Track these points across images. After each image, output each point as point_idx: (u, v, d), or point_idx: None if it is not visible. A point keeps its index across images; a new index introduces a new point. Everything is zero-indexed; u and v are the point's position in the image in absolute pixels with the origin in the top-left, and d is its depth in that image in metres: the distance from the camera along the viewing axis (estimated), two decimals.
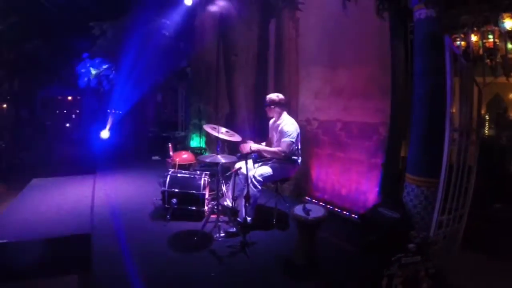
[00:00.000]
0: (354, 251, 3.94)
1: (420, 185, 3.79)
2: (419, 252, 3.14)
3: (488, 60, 4.49)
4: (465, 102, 3.77)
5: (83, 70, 10.89)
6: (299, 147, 4.53)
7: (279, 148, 4.38)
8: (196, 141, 8.64)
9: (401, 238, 3.41)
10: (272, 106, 4.56)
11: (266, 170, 4.36)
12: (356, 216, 4.67)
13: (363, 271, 3.55)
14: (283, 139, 4.36)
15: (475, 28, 4.25)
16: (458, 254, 3.78)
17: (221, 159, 4.03)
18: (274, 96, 4.60)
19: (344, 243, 4.15)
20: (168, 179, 4.72)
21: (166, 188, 4.65)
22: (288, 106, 4.75)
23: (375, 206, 4.12)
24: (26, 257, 3.53)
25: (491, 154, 5.32)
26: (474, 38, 4.46)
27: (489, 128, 6.02)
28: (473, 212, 3.93)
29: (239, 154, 4.11)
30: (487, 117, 5.91)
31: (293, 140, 4.34)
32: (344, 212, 4.91)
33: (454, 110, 3.77)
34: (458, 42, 4.39)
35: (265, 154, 4.48)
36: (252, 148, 4.42)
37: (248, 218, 4.15)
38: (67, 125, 13.93)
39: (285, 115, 4.58)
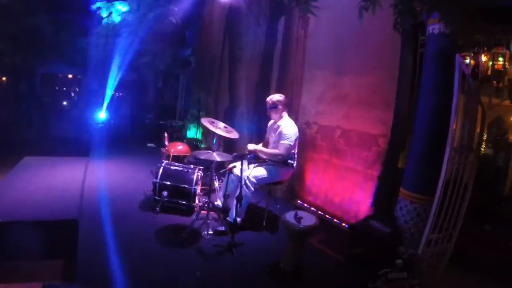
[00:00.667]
0: (342, 261, 3.92)
1: (414, 201, 3.81)
2: (406, 268, 3.16)
3: (494, 82, 4.45)
4: (468, 122, 3.74)
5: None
6: (296, 151, 4.48)
7: (277, 151, 4.32)
8: (193, 132, 8.56)
9: (389, 253, 3.45)
10: (280, 107, 4.47)
11: (261, 172, 4.30)
12: (347, 225, 4.65)
13: (349, 282, 3.55)
14: (282, 142, 4.29)
15: (485, 49, 4.21)
16: (444, 272, 3.77)
17: (216, 157, 3.96)
18: (278, 96, 4.53)
19: (332, 251, 4.12)
20: (160, 170, 4.65)
21: (158, 180, 4.59)
22: (289, 106, 4.68)
23: (366, 218, 4.12)
24: (12, 238, 3.53)
25: (485, 174, 5.33)
26: (484, 58, 4.43)
27: (486, 147, 6.03)
28: (463, 232, 3.92)
29: (235, 154, 4.06)
30: (484, 137, 5.93)
31: (291, 143, 4.28)
32: (335, 220, 4.88)
33: (455, 128, 3.75)
34: (468, 60, 4.35)
35: (262, 155, 4.42)
36: (249, 149, 4.37)
37: (238, 219, 4.11)
38: (64, 103, 13.80)
39: (286, 116, 4.51)
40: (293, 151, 4.39)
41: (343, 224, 4.74)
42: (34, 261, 3.51)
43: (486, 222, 4.72)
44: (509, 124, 5.41)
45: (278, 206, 4.80)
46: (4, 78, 12.71)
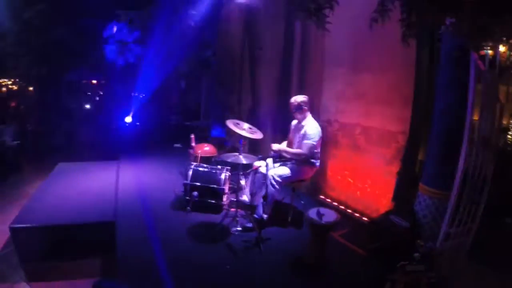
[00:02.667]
0: (362, 255, 4.08)
1: (433, 197, 3.88)
2: (423, 261, 3.25)
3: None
4: (487, 116, 3.76)
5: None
6: (319, 150, 4.65)
7: (300, 150, 4.49)
8: (218, 131, 8.81)
9: (408, 247, 3.54)
10: (304, 107, 4.62)
11: (285, 171, 4.50)
12: (368, 220, 4.80)
13: (369, 275, 3.69)
14: (305, 141, 4.45)
15: (504, 39, 4.21)
16: (463, 265, 3.81)
17: (243, 159, 4.21)
18: (302, 97, 4.66)
19: (353, 245, 4.28)
20: (190, 172, 4.94)
21: (189, 181, 4.88)
22: (311, 106, 4.83)
23: (386, 213, 4.26)
24: (52, 240, 3.77)
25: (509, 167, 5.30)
26: (502, 49, 4.43)
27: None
28: (484, 225, 3.95)
29: (260, 156, 4.28)
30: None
31: (315, 143, 4.44)
32: (356, 215, 5.04)
33: (475, 121, 3.81)
34: (486, 51, 4.38)
35: (285, 155, 4.60)
36: (274, 148, 4.57)
37: (265, 216, 4.34)
38: (89, 107, 14.22)
39: (309, 116, 4.66)
40: (316, 150, 4.56)
41: (364, 219, 4.89)
42: (74, 260, 3.74)
43: (508, 215, 4.75)
44: None
45: (302, 202, 5.00)
46: (31, 88, 13.28)
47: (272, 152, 4.59)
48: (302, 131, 4.56)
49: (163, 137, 10.73)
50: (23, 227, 3.71)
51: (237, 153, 4.39)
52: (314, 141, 4.45)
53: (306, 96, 4.70)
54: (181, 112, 12.01)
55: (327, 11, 3.26)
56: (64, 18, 11.07)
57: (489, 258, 3.86)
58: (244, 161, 4.20)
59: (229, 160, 4.25)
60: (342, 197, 5.38)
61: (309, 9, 3.09)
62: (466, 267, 3.80)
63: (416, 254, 3.28)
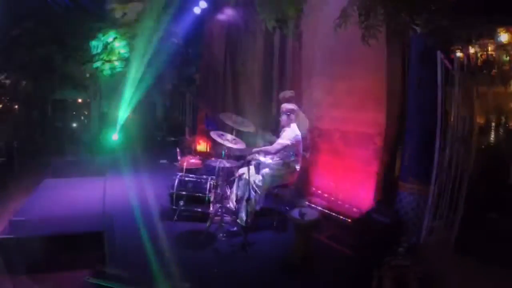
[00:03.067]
0: (348, 254, 4.18)
1: (412, 192, 4.05)
2: (409, 255, 3.35)
3: (484, 71, 4.66)
4: (459, 112, 3.94)
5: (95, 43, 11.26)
6: (297, 153, 4.79)
7: (268, 146, 4.73)
8: (203, 146, 8.92)
9: (392, 243, 3.63)
10: (292, 116, 4.81)
11: (266, 176, 4.66)
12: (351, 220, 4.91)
13: (355, 273, 3.75)
14: (278, 140, 4.69)
15: (473, 41, 4.44)
16: (449, 259, 3.85)
17: (226, 164, 4.33)
18: (293, 106, 4.88)
19: (338, 245, 4.38)
20: (176, 182, 5.01)
21: (174, 191, 4.94)
22: (296, 114, 4.97)
23: (368, 212, 4.37)
24: (40, 252, 3.70)
25: (492, 163, 5.46)
26: (471, 50, 4.66)
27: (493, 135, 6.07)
28: (468, 220, 4.06)
29: (242, 161, 4.41)
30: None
31: (288, 142, 4.59)
32: (341, 217, 5.14)
33: (452, 119, 3.99)
34: (458, 54, 4.58)
35: (261, 154, 4.78)
36: (254, 151, 4.72)
37: (248, 220, 4.43)
38: (75, 125, 14.18)
39: (293, 125, 4.82)
40: (291, 153, 4.71)
41: (348, 220, 5.00)
42: (63, 271, 3.69)
43: (492, 210, 4.87)
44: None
45: (287, 208, 5.10)
46: (16, 106, 13.22)
47: (251, 158, 4.71)
48: (280, 134, 4.77)
49: (149, 154, 10.76)
50: (10, 238, 3.69)
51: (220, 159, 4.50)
52: (286, 141, 4.60)
53: (295, 106, 4.92)
54: (166, 128, 12.09)
55: (295, 21, 3.47)
56: (50, 38, 11.15)
57: (475, 252, 3.91)
58: (227, 165, 4.34)
59: (213, 164, 4.37)
60: (325, 202, 5.49)
61: (278, 19, 3.29)
62: (452, 261, 3.84)
63: (400, 249, 3.36)
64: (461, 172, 3.96)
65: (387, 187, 4.59)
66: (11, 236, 3.74)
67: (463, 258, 3.87)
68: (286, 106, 4.87)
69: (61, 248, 3.83)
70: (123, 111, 10.97)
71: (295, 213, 3.82)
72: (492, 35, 4.37)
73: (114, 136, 10.77)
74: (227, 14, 8.43)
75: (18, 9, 10.21)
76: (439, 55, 3.61)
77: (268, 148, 4.70)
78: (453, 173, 3.88)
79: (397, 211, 4.19)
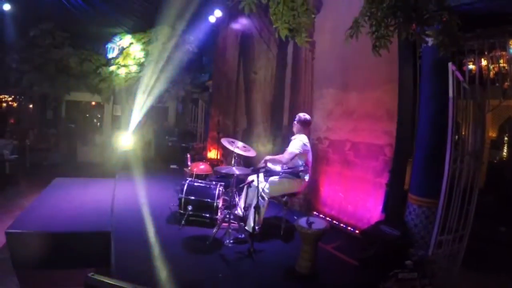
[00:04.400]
0: (355, 265, 4.13)
1: (422, 205, 4.01)
2: (416, 269, 3.29)
3: (497, 84, 4.62)
4: (472, 127, 3.95)
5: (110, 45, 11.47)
6: (307, 164, 4.79)
7: (279, 156, 4.72)
8: (213, 153, 8.96)
9: (400, 255, 3.60)
10: (299, 125, 4.88)
11: (274, 184, 4.66)
12: (359, 232, 4.87)
13: (361, 284, 3.74)
14: (286, 149, 4.70)
15: (485, 53, 4.42)
16: (458, 274, 3.85)
17: (236, 171, 4.36)
18: (305, 116, 4.93)
19: (346, 256, 4.34)
20: (185, 187, 5.03)
21: (183, 195, 4.97)
22: (307, 126, 5.02)
23: (377, 223, 4.35)
24: (47, 248, 3.79)
25: (501, 176, 5.38)
26: (483, 62, 4.63)
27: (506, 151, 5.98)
28: (478, 234, 4.04)
29: (252, 167, 4.42)
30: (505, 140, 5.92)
31: (296, 151, 4.61)
32: (349, 228, 5.12)
33: (464, 133, 3.96)
34: (470, 66, 4.56)
35: (271, 162, 4.79)
36: (265, 159, 4.73)
37: (256, 227, 4.42)
38: (87, 127, 14.39)
39: (302, 134, 4.86)
40: (301, 162, 4.73)
41: (356, 231, 4.97)
42: (68, 269, 3.76)
43: (501, 224, 4.81)
44: None
45: (295, 218, 5.08)
46: (31, 106, 13.47)
47: (262, 165, 4.72)
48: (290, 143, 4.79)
49: (159, 158, 10.85)
50: (18, 233, 3.76)
51: (230, 166, 4.54)
52: (295, 149, 4.62)
53: (305, 115, 4.95)
54: (178, 134, 12.18)
55: (307, 30, 3.50)
56: (67, 40, 11.38)
57: (484, 266, 3.94)
58: (237, 172, 4.36)
59: (223, 171, 4.41)
60: (334, 212, 5.47)
61: (291, 29, 3.32)
62: (461, 275, 3.83)
63: (408, 262, 3.33)
64: (471, 185, 3.93)
65: (396, 199, 4.54)
66: (19, 231, 3.78)
67: (472, 273, 3.88)
68: (301, 115, 4.94)
69: (68, 246, 3.87)
70: (136, 115, 11.10)
71: (302, 222, 3.80)
72: (505, 47, 4.35)
73: (126, 140, 10.89)
74: (241, 23, 8.55)
75: (35, 11, 10.49)
76: (451, 66, 3.59)
77: (279, 157, 4.70)
78: (463, 187, 3.84)
79: (406, 223, 4.16)
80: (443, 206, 3.63)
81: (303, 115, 4.94)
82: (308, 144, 4.80)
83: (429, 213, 3.96)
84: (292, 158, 4.64)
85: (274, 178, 4.73)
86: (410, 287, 3.15)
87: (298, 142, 4.71)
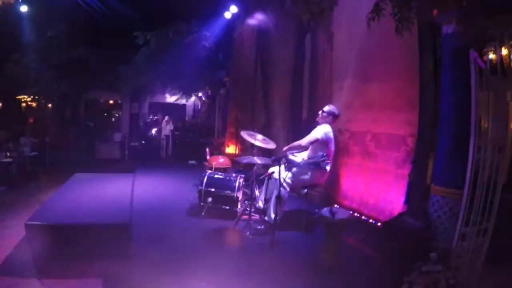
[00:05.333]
0: (378, 257, 4.09)
1: (445, 196, 3.90)
2: (440, 261, 3.22)
3: None
4: (495, 118, 3.82)
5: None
6: (328, 154, 4.74)
7: (298, 141, 4.73)
8: (232, 148, 8.99)
9: (423, 247, 3.52)
10: (324, 114, 4.86)
11: (296, 174, 4.64)
12: (381, 224, 4.81)
13: (385, 276, 3.68)
14: (308, 135, 4.71)
15: (505, 41, 4.29)
16: (482, 269, 3.65)
17: (257, 160, 4.35)
18: (331, 107, 4.93)
19: (368, 249, 4.31)
20: (205, 179, 5.06)
21: (203, 187, 4.99)
22: (335, 119, 4.99)
23: (399, 215, 4.28)
24: (66, 239, 3.80)
25: None
26: (504, 51, 4.50)
27: None
28: (501, 230, 3.95)
29: (273, 157, 4.40)
30: None
31: (317, 137, 4.62)
32: (371, 221, 5.05)
33: (486, 125, 3.84)
34: (491, 56, 4.44)
35: (291, 149, 4.78)
36: (284, 149, 4.73)
37: (277, 218, 4.41)
38: (107, 126, 14.61)
39: (327, 124, 4.83)
40: (323, 153, 4.68)
41: (379, 224, 4.89)
42: (88, 261, 3.69)
43: None
44: None
45: (317, 210, 5.05)
46: (50, 105, 13.75)
47: (283, 155, 4.69)
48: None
49: (178, 155, 10.94)
50: (37, 225, 3.77)
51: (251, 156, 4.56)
52: (317, 135, 4.63)
53: (335, 108, 4.94)
54: (196, 130, 12.26)
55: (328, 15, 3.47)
56: (84, 39, 11.56)
57: (508, 262, 3.79)
58: (258, 161, 4.38)
59: (244, 161, 4.41)
60: (355, 205, 5.40)
61: (312, 12, 3.30)
62: (484, 270, 3.66)
63: (433, 254, 3.25)
64: (495, 177, 3.82)
65: (419, 190, 4.46)
66: (38, 223, 3.81)
67: (496, 268, 3.73)
68: (329, 107, 4.94)
69: (86, 238, 3.84)
70: (153, 116, 11.22)
71: (325, 211, 3.76)
72: None
73: (144, 137, 11.03)
74: (257, 18, 8.51)
75: (52, 11, 10.69)
76: (472, 53, 3.48)
77: (297, 142, 4.70)
78: (487, 179, 3.73)
79: (429, 215, 4.05)
80: (468, 197, 3.53)
81: (334, 108, 4.92)
82: (331, 134, 4.76)
83: (453, 204, 3.84)
84: (312, 143, 4.62)
85: (296, 168, 4.69)
86: (434, 280, 3.06)
87: (322, 129, 4.70)
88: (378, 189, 5.06)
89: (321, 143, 4.65)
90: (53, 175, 7.98)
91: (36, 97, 13.30)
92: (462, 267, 3.43)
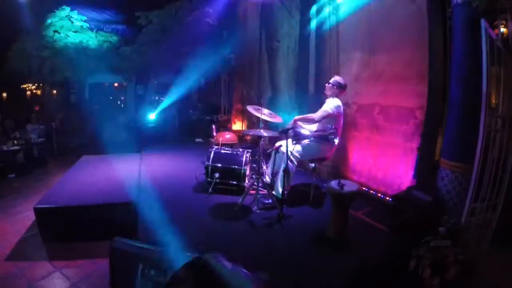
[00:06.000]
0: (386, 231, 4.06)
1: (455, 170, 3.83)
2: (449, 237, 3.14)
3: None
4: (506, 91, 3.71)
5: None
6: (337, 127, 4.68)
7: (311, 114, 4.64)
8: (238, 125, 8.94)
9: (432, 222, 3.45)
10: (334, 86, 4.78)
11: (303, 147, 4.58)
12: (391, 199, 4.76)
13: (393, 250, 3.66)
14: (320, 109, 4.63)
15: None
16: (490, 245, 3.64)
17: (264, 133, 4.32)
18: (336, 78, 4.84)
19: (377, 223, 4.26)
20: (212, 154, 5.03)
21: (210, 163, 4.96)
22: (343, 90, 4.90)
23: (409, 188, 4.23)
24: (74, 221, 3.89)
25: None
26: None
27: None
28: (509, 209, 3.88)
29: (280, 129, 4.34)
30: None
31: (328, 111, 4.55)
32: (379, 195, 5.01)
33: (495, 100, 3.74)
34: (502, 29, 4.30)
35: (302, 121, 4.74)
36: (296, 118, 4.66)
37: (285, 192, 4.38)
38: (113, 109, 14.60)
39: (336, 97, 4.76)
40: (333, 126, 4.61)
41: (387, 198, 4.85)
42: (96, 241, 3.73)
43: None
44: None
45: (324, 184, 5.03)
46: (54, 91, 13.75)
47: (290, 126, 4.61)
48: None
49: (184, 133, 10.94)
50: (46, 208, 3.83)
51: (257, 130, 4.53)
52: (328, 109, 4.56)
53: (343, 80, 4.84)
54: (202, 107, 12.21)
55: None
56: (85, 22, 11.44)
57: None
58: (265, 134, 4.37)
59: (251, 133, 4.38)
60: (363, 179, 5.36)
61: None
62: (493, 247, 3.63)
63: (442, 229, 3.17)
64: (505, 152, 3.74)
65: (428, 163, 4.39)
66: (47, 206, 3.86)
67: (505, 247, 3.63)
68: (335, 78, 4.85)
69: (94, 218, 3.92)
70: (159, 97, 11.16)
71: (334, 184, 3.72)
72: None
73: (150, 116, 11.00)
74: None
75: None
76: (483, 23, 3.35)
77: (311, 115, 4.62)
78: (497, 154, 3.65)
79: (438, 189, 4.00)
80: (478, 171, 3.46)
81: (340, 79, 4.82)
82: (342, 108, 4.70)
83: (462, 179, 3.78)
84: (325, 117, 4.56)
85: (305, 141, 4.64)
86: (443, 255, 2.99)
87: (333, 102, 4.63)
88: (386, 163, 5.01)
89: (332, 117, 4.59)
90: (60, 160, 8.08)
91: (40, 84, 13.29)
92: (470, 242, 3.37)
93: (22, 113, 10.80)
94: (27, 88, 14.06)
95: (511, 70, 3.74)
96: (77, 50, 11.17)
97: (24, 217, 4.63)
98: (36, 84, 13.58)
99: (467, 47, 3.74)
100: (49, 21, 11.00)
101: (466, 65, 3.77)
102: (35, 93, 14.26)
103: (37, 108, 12.68)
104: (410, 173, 4.59)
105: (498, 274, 3.22)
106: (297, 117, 4.68)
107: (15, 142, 7.36)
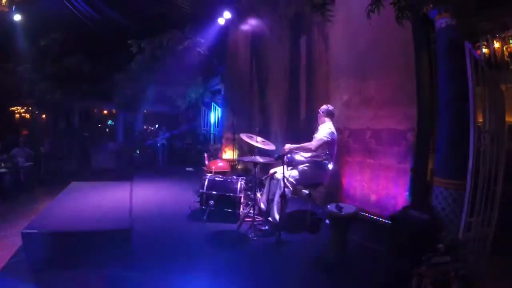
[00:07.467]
0: (384, 252, 4.04)
1: (448, 187, 3.89)
2: (448, 252, 3.19)
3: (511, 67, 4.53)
4: (492, 108, 3.84)
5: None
6: (332, 153, 4.74)
7: (308, 143, 4.67)
8: (229, 154, 8.94)
9: (430, 240, 3.50)
10: (320, 113, 4.94)
11: (300, 172, 4.61)
12: (387, 221, 4.76)
13: (393, 271, 3.63)
14: (315, 135, 4.70)
15: (497, 35, 4.33)
16: (488, 258, 3.69)
17: (260, 159, 4.33)
18: (324, 106, 4.99)
19: (374, 244, 4.26)
20: (206, 182, 5.01)
21: (205, 190, 4.94)
22: (333, 116, 5.02)
23: (404, 208, 4.24)
24: (65, 248, 3.69)
25: None
26: (496, 44, 4.54)
27: None
28: (506, 219, 3.92)
29: (276, 155, 4.36)
30: None
31: (324, 138, 4.59)
32: (374, 217, 5.02)
33: (480, 119, 3.85)
34: (484, 50, 4.48)
35: (296, 151, 4.74)
36: (285, 147, 4.66)
37: (282, 217, 4.36)
38: (102, 136, 14.52)
39: (328, 122, 4.86)
40: (327, 151, 4.65)
41: (383, 220, 4.85)
42: (88, 269, 3.58)
43: None
44: None
45: (320, 210, 5.03)
46: (44, 116, 13.64)
47: (285, 156, 4.65)
48: (317, 132, 4.77)
49: (174, 161, 10.90)
50: (35, 233, 3.65)
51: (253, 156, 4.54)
52: (323, 137, 4.61)
53: (329, 106, 4.98)
54: (192, 137, 12.22)
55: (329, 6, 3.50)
56: (78, 48, 11.50)
57: None
58: (261, 160, 4.38)
59: (246, 160, 4.39)
60: (357, 203, 5.33)
61: (315, 3, 3.33)
62: (490, 261, 3.67)
63: (440, 245, 3.23)
64: (495, 168, 3.82)
65: (422, 183, 4.47)
66: (36, 231, 3.69)
67: (502, 259, 3.74)
68: (326, 107, 4.99)
69: (85, 245, 3.74)
70: (148, 122, 11.17)
71: (332, 207, 3.74)
72: None
73: (140, 145, 10.97)
74: (250, 22, 8.53)
75: (46, 20, 10.63)
76: (467, 45, 3.50)
77: (307, 144, 4.66)
78: (488, 169, 3.73)
79: (433, 208, 4.04)
80: (471, 186, 3.52)
81: (328, 106, 4.96)
82: (335, 134, 4.78)
83: (456, 195, 3.84)
84: (321, 146, 4.60)
85: (300, 166, 4.68)
86: (444, 271, 3.03)
87: (327, 129, 4.70)
88: (380, 185, 5.04)
89: (327, 143, 4.64)
90: (48, 185, 7.92)
91: (30, 108, 13.20)
92: (469, 257, 3.43)
93: (10, 136, 10.56)
94: (16, 111, 13.93)
95: (494, 88, 3.89)
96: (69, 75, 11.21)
97: (10, 242, 4.42)
98: (25, 108, 13.46)
99: (452, 69, 3.88)
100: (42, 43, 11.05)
101: (452, 86, 3.90)
102: (24, 116, 14.11)
103: (25, 132, 12.53)
104: (404, 194, 4.64)
105: (498, 283, 3.35)
106: (293, 146, 4.70)
107: (2, 165, 7.18)
